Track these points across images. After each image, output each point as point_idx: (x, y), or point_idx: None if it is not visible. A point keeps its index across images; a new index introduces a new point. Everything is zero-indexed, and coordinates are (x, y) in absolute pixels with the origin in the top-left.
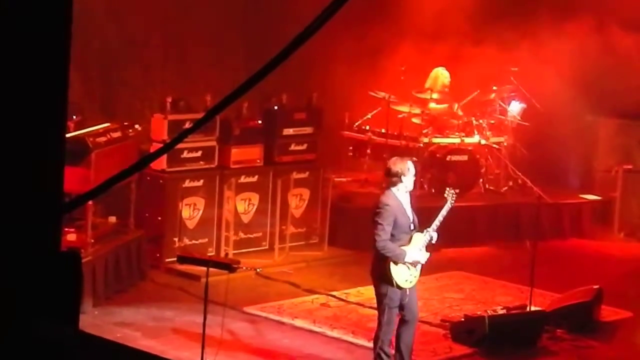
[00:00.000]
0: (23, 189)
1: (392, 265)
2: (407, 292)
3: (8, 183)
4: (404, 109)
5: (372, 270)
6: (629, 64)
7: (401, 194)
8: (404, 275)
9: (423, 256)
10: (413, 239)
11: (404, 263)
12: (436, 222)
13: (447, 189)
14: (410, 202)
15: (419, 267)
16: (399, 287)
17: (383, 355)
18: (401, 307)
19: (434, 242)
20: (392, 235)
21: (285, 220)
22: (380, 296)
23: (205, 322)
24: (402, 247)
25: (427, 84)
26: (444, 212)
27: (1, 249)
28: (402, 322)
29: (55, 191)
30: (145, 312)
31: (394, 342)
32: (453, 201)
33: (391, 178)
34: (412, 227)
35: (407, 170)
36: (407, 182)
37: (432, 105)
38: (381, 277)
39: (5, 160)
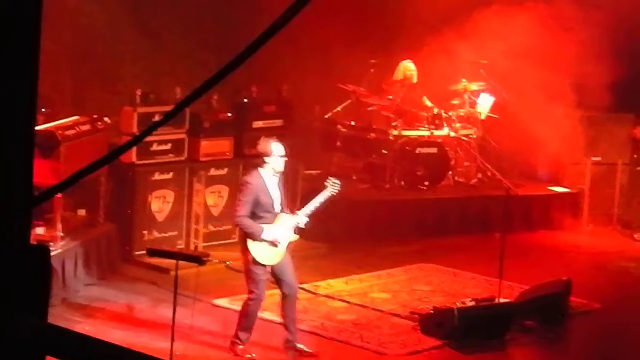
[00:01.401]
0: None
1: (249, 241)
2: (268, 269)
3: None
4: (373, 101)
5: (240, 246)
6: (595, 56)
7: (267, 174)
8: (262, 252)
9: (285, 236)
10: (278, 219)
11: (262, 240)
12: (309, 207)
13: (329, 178)
14: (280, 184)
15: (282, 246)
16: (257, 263)
17: (245, 323)
18: (279, 283)
19: (302, 226)
20: (254, 213)
21: None
22: (246, 269)
23: (174, 315)
24: (264, 225)
25: (395, 77)
26: (320, 198)
27: None
28: (282, 296)
29: (25, 184)
30: (115, 304)
31: (281, 316)
32: (335, 190)
33: (257, 158)
34: (276, 208)
35: (271, 151)
36: (273, 162)
37: (427, 101)
38: (242, 251)
39: None
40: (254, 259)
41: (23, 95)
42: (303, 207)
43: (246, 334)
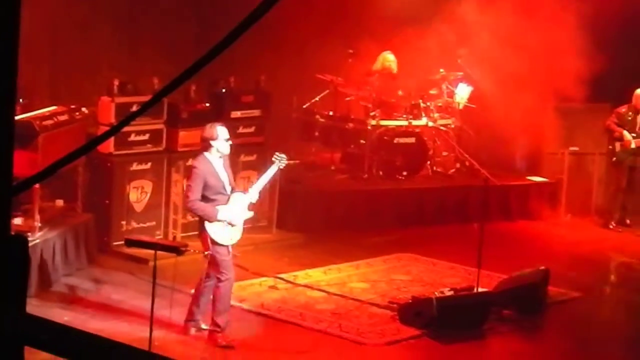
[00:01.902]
0: None
1: (206, 223)
2: (229, 249)
3: None
4: (351, 91)
5: (199, 234)
6: (573, 46)
7: (214, 158)
8: (220, 233)
9: (241, 215)
10: (231, 199)
11: (218, 221)
12: (259, 183)
13: (276, 153)
14: (226, 166)
15: (239, 224)
16: (218, 244)
17: (220, 307)
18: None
19: (254, 202)
20: (204, 196)
21: None
22: (210, 255)
23: (153, 305)
24: (218, 207)
25: (375, 67)
26: (269, 173)
27: None
28: (218, 280)
29: (5, 175)
30: (94, 295)
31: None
32: (282, 164)
33: (202, 143)
34: (227, 189)
35: (217, 135)
36: (219, 146)
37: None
38: (200, 236)
39: None
40: (214, 240)
41: (2, 86)
42: (253, 184)
43: (224, 319)
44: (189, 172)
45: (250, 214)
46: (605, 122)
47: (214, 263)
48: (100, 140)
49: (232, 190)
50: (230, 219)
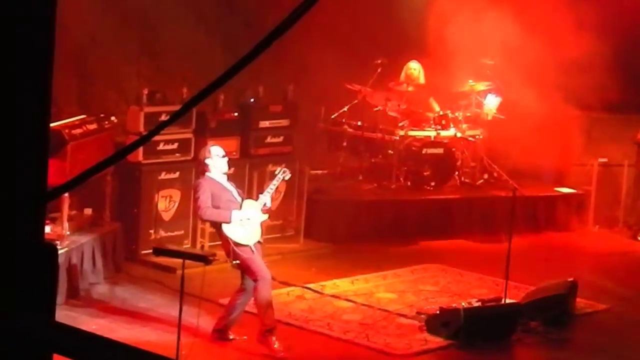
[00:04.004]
0: (7, 179)
1: (224, 227)
2: (253, 248)
3: None
4: (380, 102)
5: (223, 248)
6: (604, 57)
7: (216, 176)
8: (239, 232)
9: (256, 216)
10: (244, 204)
11: (233, 222)
12: (269, 188)
13: (279, 167)
14: (229, 182)
15: (255, 225)
16: (240, 245)
17: (263, 310)
18: (243, 276)
19: (268, 206)
20: (216, 207)
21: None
22: (242, 264)
23: (181, 315)
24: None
25: (401, 77)
26: (275, 182)
27: None
28: (242, 289)
29: (39, 182)
30: (122, 304)
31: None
32: (286, 176)
33: (199, 166)
34: (237, 197)
35: (210, 154)
36: (217, 163)
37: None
38: (223, 245)
39: None
40: (235, 242)
41: (37, 95)
42: (262, 192)
43: (271, 320)
44: (193, 189)
45: (265, 216)
46: (637, 135)
47: (245, 267)
48: (130, 149)
49: (243, 198)
50: (246, 217)
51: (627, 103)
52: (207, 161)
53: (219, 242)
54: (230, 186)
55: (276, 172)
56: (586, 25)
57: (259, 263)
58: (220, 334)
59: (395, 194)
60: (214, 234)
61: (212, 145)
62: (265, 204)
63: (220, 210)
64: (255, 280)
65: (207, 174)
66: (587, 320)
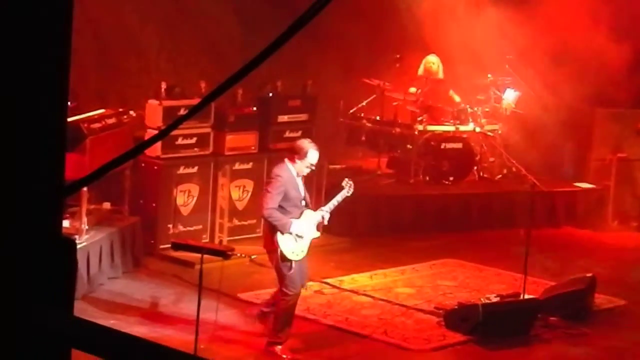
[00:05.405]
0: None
1: (279, 234)
2: (293, 265)
3: (9, 168)
4: (399, 96)
5: (264, 242)
6: (624, 51)
7: (294, 171)
8: (290, 246)
9: (310, 232)
10: (304, 215)
11: (290, 233)
12: (330, 204)
13: (346, 179)
14: (303, 182)
15: (306, 241)
16: (285, 259)
17: (283, 322)
18: None
19: (326, 222)
20: (282, 207)
21: None
22: (276, 268)
23: (199, 309)
24: (292, 219)
25: (419, 71)
26: (338, 197)
27: (1, 234)
28: (283, 294)
29: (56, 177)
30: (139, 298)
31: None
32: (350, 190)
33: (291, 152)
34: (303, 203)
35: (305, 155)
36: (301, 166)
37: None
38: (269, 246)
39: (6, 145)
40: (283, 255)
41: (54, 88)
42: (324, 205)
43: (286, 336)
44: (270, 179)
45: (317, 234)
46: (637, 125)
47: (279, 277)
48: (149, 144)
49: (306, 206)
50: (301, 234)
51: None
52: (299, 159)
53: (238, 237)
54: (302, 189)
55: (343, 184)
56: (606, 20)
57: (294, 279)
58: (276, 344)
59: (414, 189)
60: (232, 228)
61: (315, 150)
62: (323, 219)
63: (283, 217)
64: (284, 294)
65: (287, 163)
66: (606, 316)
